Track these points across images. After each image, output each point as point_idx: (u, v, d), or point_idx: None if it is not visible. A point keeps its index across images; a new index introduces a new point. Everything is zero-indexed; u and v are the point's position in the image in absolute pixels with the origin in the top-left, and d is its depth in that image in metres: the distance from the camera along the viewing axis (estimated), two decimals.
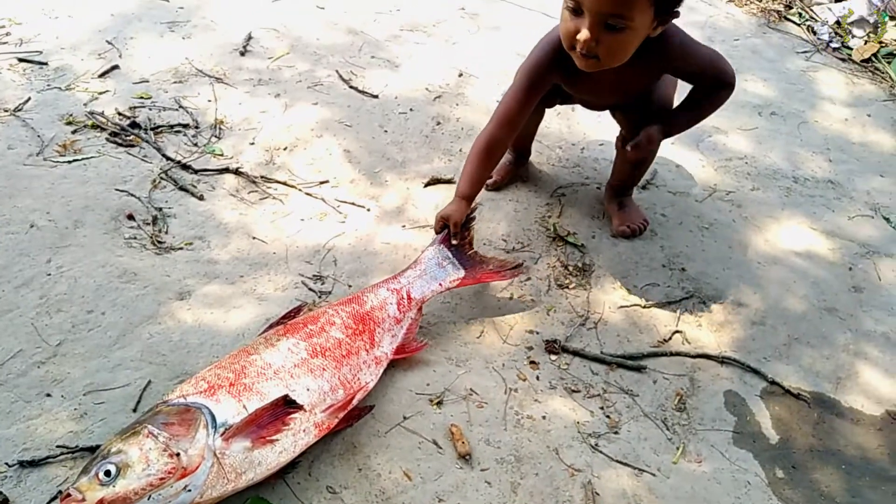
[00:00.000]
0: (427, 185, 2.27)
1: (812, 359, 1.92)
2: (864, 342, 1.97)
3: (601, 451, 1.63)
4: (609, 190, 2.23)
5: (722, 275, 2.11)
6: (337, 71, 2.67)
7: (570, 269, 2.08)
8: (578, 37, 1.57)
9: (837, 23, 3.36)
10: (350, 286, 1.93)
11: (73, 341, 1.67)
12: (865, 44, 3.26)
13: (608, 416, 1.72)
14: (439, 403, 1.67)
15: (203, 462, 1.30)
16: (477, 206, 1.99)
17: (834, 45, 3.28)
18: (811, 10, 3.46)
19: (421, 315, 1.81)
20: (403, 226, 2.14)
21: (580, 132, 2.55)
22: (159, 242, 1.98)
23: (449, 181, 2.28)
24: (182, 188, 2.15)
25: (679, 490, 1.58)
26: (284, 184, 2.22)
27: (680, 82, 2.00)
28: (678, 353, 1.88)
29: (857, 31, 3.34)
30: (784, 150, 2.64)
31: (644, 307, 1.99)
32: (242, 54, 2.69)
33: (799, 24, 3.41)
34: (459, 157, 2.38)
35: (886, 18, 3.37)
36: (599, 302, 1.99)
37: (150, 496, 1.25)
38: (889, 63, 3.16)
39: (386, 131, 2.45)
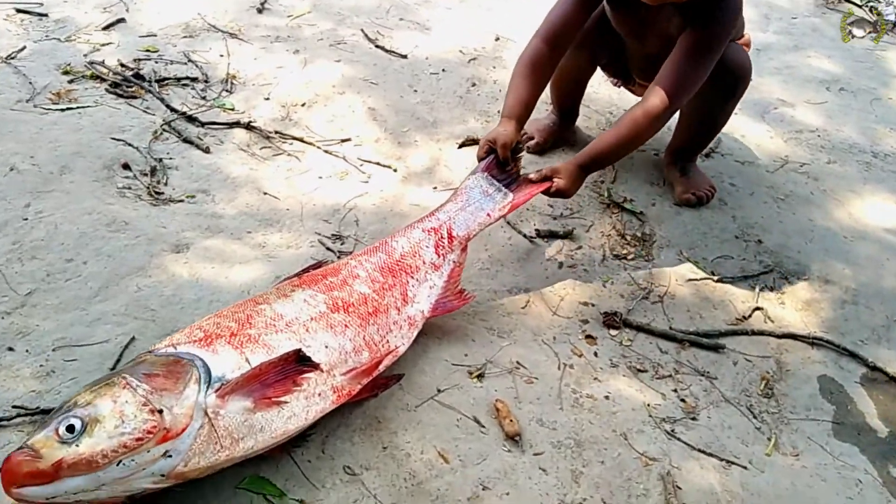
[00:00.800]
0: (461, 145, 2.01)
1: None
2: None
3: (679, 439, 1.33)
4: (669, 155, 1.96)
5: (804, 248, 1.81)
6: (362, 30, 2.44)
7: (629, 238, 1.79)
8: None
9: None
10: None
11: (46, 291, 1.40)
12: None
13: (683, 401, 1.42)
14: (480, 376, 1.38)
15: (191, 423, 1.03)
16: (525, 136, 1.70)
17: None
18: None
19: (465, 257, 1.52)
20: (435, 187, 1.88)
21: (631, 98, 2.28)
22: (157, 193, 1.72)
23: None
24: (186, 140, 1.90)
25: (778, 486, 1.28)
26: (301, 140, 1.97)
27: None
28: (761, 332, 1.59)
29: None
30: (858, 125, 2.36)
31: (717, 281, 1.70)
32: (260, 11, 2.47)
33: (860, 6, 3.15)
34: (497, 118, 2.12)
35: None
36: (664, 275, 1.70)
37: (120, 461, 0.97)
38: None
39: (416, 91, 2.20)
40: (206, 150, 1.88)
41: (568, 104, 2.04)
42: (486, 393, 1.35)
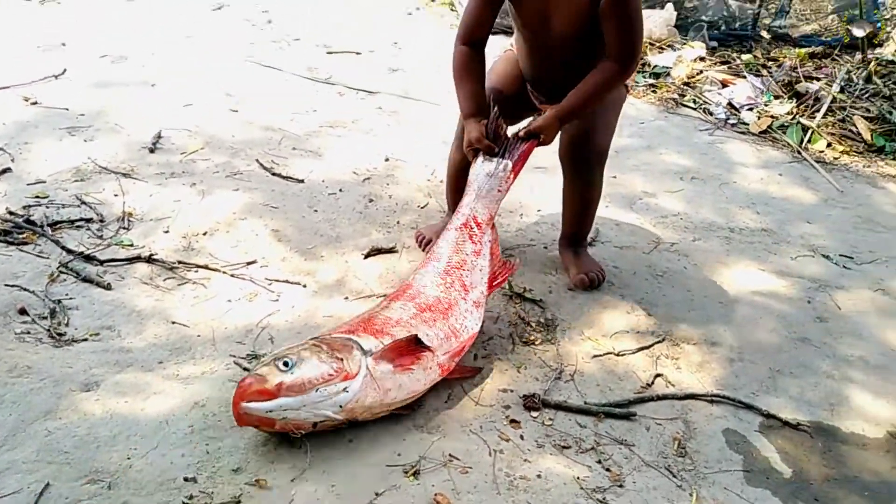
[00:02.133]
0: (367, 255, 2.09)
1: (800, 388, 1.80)
2: (846, 367, 1.88)
3: None
4: (563, 242, 2.14)
5: (688, 316, 2.00)
6: (257, 160, 2.53)
7: (533, 324, 1.91)
8: None
9: (730, 104, 3.61)
10: None
11: None
12: (759, 119, 3.49)
13: (608, 470, 1.50)
14: (415, 474, 1.40)
15: (360, 371, 1.45)
16: (496, 108, 1.86)
17: (731, 121, 3.49)
18: (704, 97, 3.71)
19: (496, 231, 1.82)
20: (346, 297, 1.93)
21: (516, 201, 2.47)
22: (58, 335, 1.67)
23: (391, 250, 2.12)
24: (86, 279, 1.87)
25: None
26: (206, 267, 1.98)
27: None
28: (665, 397, 1.71)
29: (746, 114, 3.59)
30: (714, 207, 2.67)
31: (618, 355, 1.83)
32: (152, 151, 2.52)
33: (695, 108, 3.63)
34: (398, 228, 2.24)
35: (770, 97, 3.65)
36: (571, 354, 1.82)
37: (318, 388, 1.40)
38: (784, 132, 3.38)
39: (316, 211, 2.29)
40: (108, 287, 1.85)
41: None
42: (424, 490, 1.36)
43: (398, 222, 2.28)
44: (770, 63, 4.06)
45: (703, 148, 3.19)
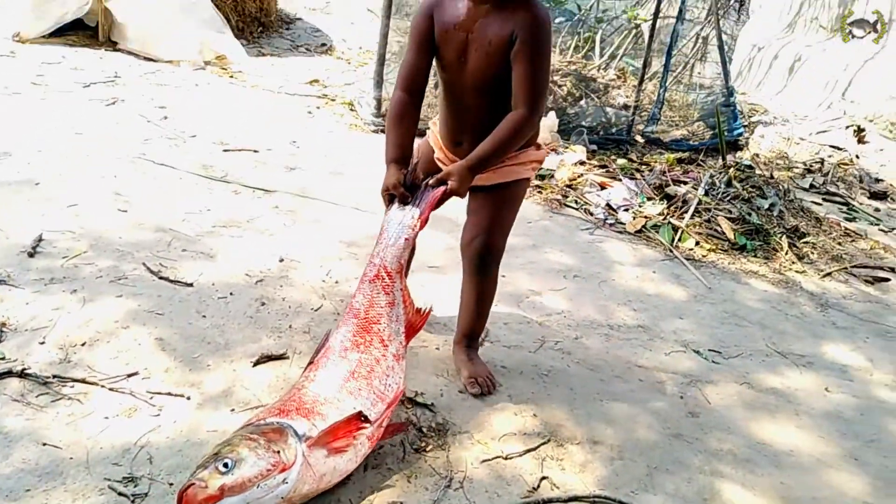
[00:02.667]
0: (256, 363, 2.07)
1: (675, 485, 1.90)
2: (716, 462, 2.01)
3: None
4: (457, 340, 2.22)
5: (572, 416, 2.09)
6: (144, 264, 2.48)
7: (425, 430, 1.93)
8: None
9: (608, 205, 3.89)
10: (171, 484, 1.62)
11: None
12: (634, 219, 3.77)
13: None
14: None
15: (296, 460, 1.52)
16: (416, 160, 1.96)
17: (609, 221, 3.76)
18: (585, 198, 3.98)
19: (406, 279, 1.89)
20: (233, 409, 1.90)
21: None
22: None
23: (281, 356, 2.11)
24: None
25: None
26: (83, 381, 1.90)
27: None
28: (550, 501, 1.77)
29: (623, 215, 3.87)
30: (594, 304, 2.84)
31: (506, 458, 1.88)
32: (31, 255, 2.42)
33: (577, 209, 3.88)
34: (290, 333, 2.24)
35: (644, 199, 3.96)
36: (461, 460, 1.85)
37: (258, 485, 1.46)
38: (657, 231, 3.66)
39: (204, 316, 2.26)
40: None
41: None
42: None
43: (290, 326, 2.28)
44: (643, 167, 4.44)
45: (584, 247, 3.40)
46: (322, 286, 2.58)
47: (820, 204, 4.97)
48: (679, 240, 3.63)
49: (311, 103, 5.11)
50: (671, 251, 3.51)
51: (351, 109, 5.10)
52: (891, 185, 5.74)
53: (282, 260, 2.70)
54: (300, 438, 1.55)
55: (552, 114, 4.74)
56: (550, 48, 1.87)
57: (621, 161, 4.59)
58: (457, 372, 2.17)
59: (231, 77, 5.47)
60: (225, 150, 3.80)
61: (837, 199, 5.20)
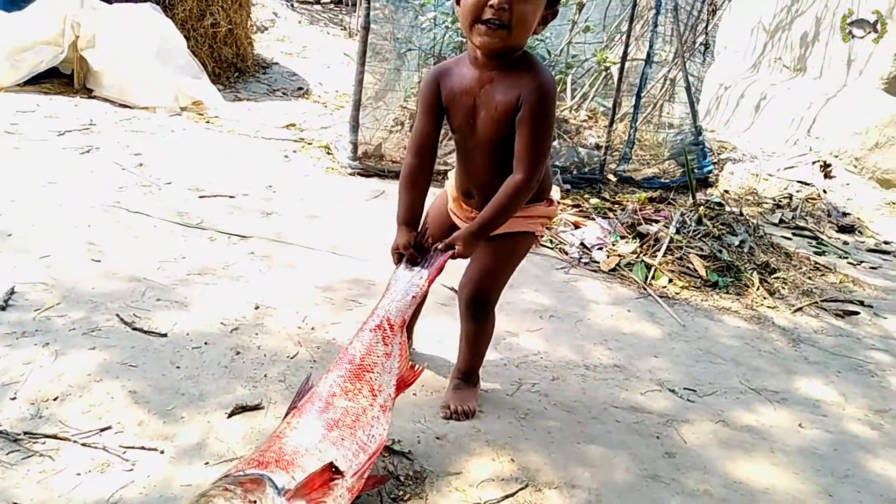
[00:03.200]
0: (231, 414, 2.06)
1: None
2: (693, 502, 2.02)
3: None
4: (451, 379, 2.31)
5: (549, 460, 2.09)
6: (118, 315, 2.47)
7: (402, 478, 1.92)
8: (491, 2, 1.74)
9: (582, 244, 3.95)
10: None
11: None
12: (608, 258, 3.83)
13: None
14: None
15: None
16: (427, 224, 2.11)
17: (584, 260, 3.81)
18: (560, 237, 4.03)
19: (405, 335, 1.93)
20: (207, 462, 1.87)
21: None
22: None
23: (256, 407, 2.09)
24: None
25: None
26: (55, 437, 1.87)
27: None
28: None
29: (597, 254, 3.93)
30: (570, 345, 2.86)
31: None
32: (3, 308, 2.39)
33: (552, 248, 3.93)
34: (266, 382, 2.23)
35: (617, 238, 4.03)
36: None
37: None
38: (631, 270, 3.72)
39: (178, 367, 2.24)
40: None
41: None
42: None
43: (265, 375, 2.27)
44: (616, 206, 4.52)
45: (559, 286, 3.44)
46: (298, 333, 2.57)
47: (790, 238, 5.09)
48: (652, 277, 3.68)
49: (287, 147, 5.16)
50: (645, 289, 3.56)
51: (328, 153, 5.15)
52: (858, 218, 5.90)
53: (257, 307, 2.70)
54: (279, 491, 1.52)
55: None
56: (554, 113, 1.92)
57: (594, 200, 4.67)
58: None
59: (207, 122, 5.51)
60: (200, 197, 3.81)
61: (806, 233, 5.32)
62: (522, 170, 1.89)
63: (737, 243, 4.04)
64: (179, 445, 1.93)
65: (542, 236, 2.35)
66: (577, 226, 4.16)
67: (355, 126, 4.75)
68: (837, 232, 5.58)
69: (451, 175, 2.25)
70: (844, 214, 5.86)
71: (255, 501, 1.48)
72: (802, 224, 5.49)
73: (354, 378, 1.79)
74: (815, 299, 3.82)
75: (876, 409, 2.76)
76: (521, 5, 1.76)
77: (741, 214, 4.46)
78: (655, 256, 3.82)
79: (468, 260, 2.14)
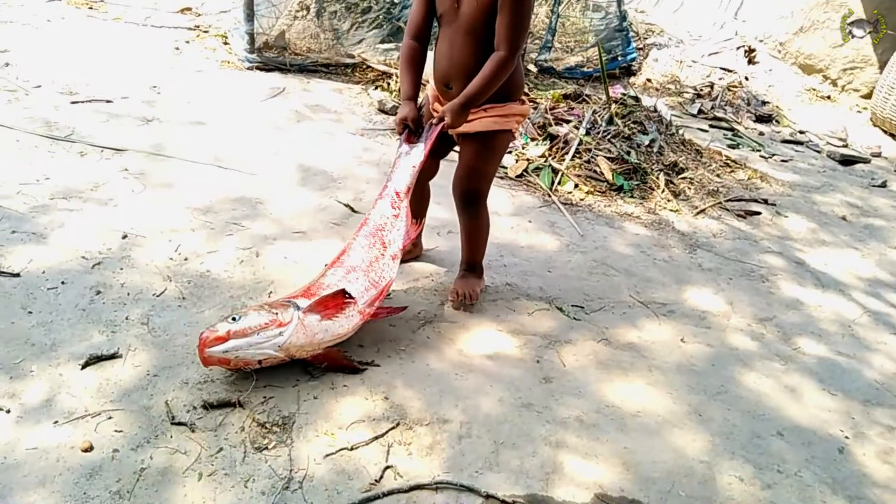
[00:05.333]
0: (84, 365, 1.94)
1: (520, 460, 1.93)
2: (562, 431, 2.04)
3: None
4: (461, 266, 2.61)
5: (424, 395, 2.07)
6: None
7: (269, 426, 1.88)
8: None
9: None
10: None
11: None
12: (517, 162, 3.71)
13: None
14: None
15: (291, 321, 1.97)
16: (422, 103, 2.36)
17: None
18: None
19: (409, 199, 2.29)
20: (56, 422, 1.78)
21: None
22: None
23: (112, 356, 1.98)
24: None
25: None
26: None
27: None
28: (392, 492, 1.76)
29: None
30: None
31: (351, 449, 1.86)
32: None
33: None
34: (126, 326, 2.10)
35: (528, 140, 3.90)
36: (303, 457, 1.81)
37: (258, 333, 1.92)
38: (538, 175, 3.62)
39: (30, 312, 2.09)
40: None
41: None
42: None
43: (126, 318, 2.14)
44: (531, 104, 4.33)
45: None
46: (168, 265, 2.42)
47: (706, 131, 5.05)
48: (559, 183, 3.61)
49: (180, 37, 4.73)
50: (549, 196, 3.49)
51: (224, 43, 4.75)
52: (776, 107, 5.88)
53: (125, 236, 2.52)
54: (298, 308, 2.00)
55: None
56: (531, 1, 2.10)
57: None
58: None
59: (90, 9, 4.97)
60: (73, 102, 3.47)
61: (724, 124, 5.29)
62: (505, 47, 2.08)
63: (647, 143, 3.96)
64: (26, 403, 1.82)
65: (518, 133, 2.59)
66: None
67: (250, 14, 4.34)
68: (755, 122, 5.57)
69: (430, 76, 2.38)
70: (763, 103, 5.83)
71: (276, 313, 1.96)
72: (721, 115, 5.45)
73: (370, 235, 2.25)
74: (719, 199, 3.83)
75: (760, 317, 2.83)
76: None
77: (655, 111, 4.35)
78: (564, 160, 3.72)
79: (457, 162, 2.38)
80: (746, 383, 2.40)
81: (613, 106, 4.11)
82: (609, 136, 3.90)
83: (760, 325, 2.78)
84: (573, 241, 3.14)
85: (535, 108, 4.21)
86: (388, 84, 4.47)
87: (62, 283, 2.23)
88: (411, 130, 2.28)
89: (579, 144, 3.81)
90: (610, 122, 3.99)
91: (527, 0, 2.07)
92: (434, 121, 2.25)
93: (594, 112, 4.06)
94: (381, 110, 4.16)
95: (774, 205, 3.97)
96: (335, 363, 2.09)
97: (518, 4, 2.05)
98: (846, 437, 2.23)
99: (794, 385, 2.44)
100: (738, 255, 3.32)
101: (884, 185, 4.79)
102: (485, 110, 2.23)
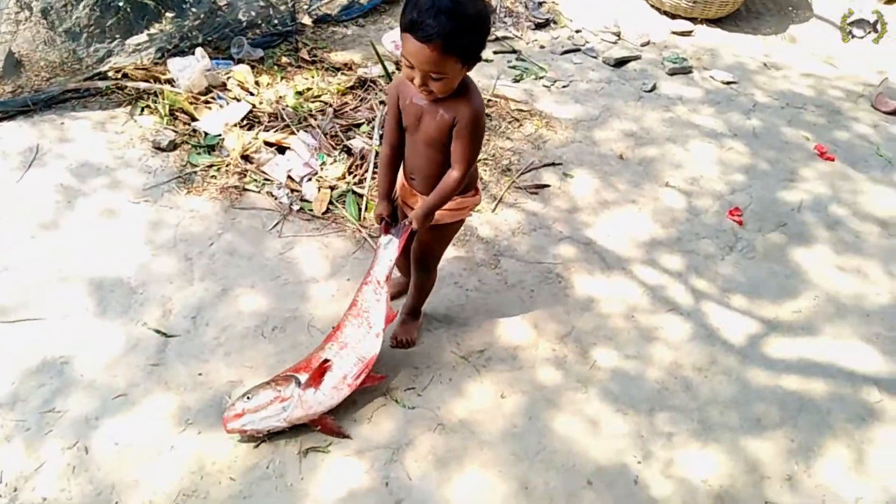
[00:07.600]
0: None
1: None
2: None
3: None
4: (401, 315, 3.07)
5: None
6: None
7: None
8: (415, 82, 2.17)
9: (290, 178, 3.66)
10: None
11: None
12: (319, 192, 3.61)
13: None
14: None
15: (291, 396, 2.53)
16: (397, 199, 2.71)
17: (296, 206, 3.56)
18: (264, 173, 3.68)
19: (388, 285, 2.72)
20: None
21: None
22: None
23: None
24: None
25: None
26: None
27: None
28: None
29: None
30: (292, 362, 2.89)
31: None
32: None
33: (258, 191, 3.62)
34: None
35: (323, 158, 3.78)
36: None
37: (266, 408, 2.51)
38: (343, 204, 3.57)
39: None
40: None
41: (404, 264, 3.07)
42: None
43: None
44: (319, 72, 4.09)
45: (274, 266, 3.27)
46: None
47: (490, 61, 5.09)
48: (366, 209, 3.61)
49: None
50: (360, 230, 3.50)
51: None
52: (553, 3, 5.94)
53: None
54: (299, 384, 2.54)
55: (199, 50, 4.06)
56: (483, 128, 2.39)
57: (286, 60, 4.18)
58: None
59: None
60: None
61: (507, 46, 5.33)
62: (459, 168, 2.41)
63: None
64: None
65: (470, 215, 3.17)
66: (280, 148, 3.79)
67: None
68: (535, 30, 5.65)
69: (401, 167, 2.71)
70: (540, 4, 5.86)
71: (280, 390, 2.53)
72: (503, 33, 5.45)
73: (356, 317, 2.69)
74: (512, 178, 4.02)
75: (562, 334, 3.17)
76: (436, 83, 2.14)
77: None
78: (365, 181, 3.69)
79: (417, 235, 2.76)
80: (558, 430, 2.79)
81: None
82: None
83: (562, 344, 3.12)
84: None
85: (322, 112, 4.02)
86: (156, 102, 4.00)
87: None
88: (388, 223, 2.69)
89: (377, 157, 3.76)
90: None
91: (479, 131, 2.37)
92: (406, 222, 2.64)
93: (383, 103, 3.96)
94: (158, 148, 3.78)
95: (561, 164, 4.23)
96: (326, 429, 2.62)
97: (473, 136, 2.35)
98: (638, 463, 2.71)
99: (593, 415, 2.87)
100: (536, 253, 3.57)
101: (653, 88, 5.18)
102: None
